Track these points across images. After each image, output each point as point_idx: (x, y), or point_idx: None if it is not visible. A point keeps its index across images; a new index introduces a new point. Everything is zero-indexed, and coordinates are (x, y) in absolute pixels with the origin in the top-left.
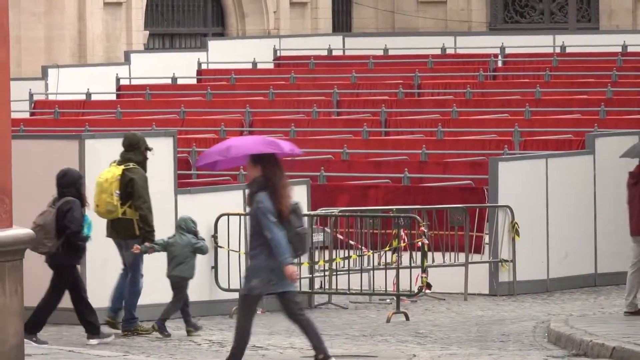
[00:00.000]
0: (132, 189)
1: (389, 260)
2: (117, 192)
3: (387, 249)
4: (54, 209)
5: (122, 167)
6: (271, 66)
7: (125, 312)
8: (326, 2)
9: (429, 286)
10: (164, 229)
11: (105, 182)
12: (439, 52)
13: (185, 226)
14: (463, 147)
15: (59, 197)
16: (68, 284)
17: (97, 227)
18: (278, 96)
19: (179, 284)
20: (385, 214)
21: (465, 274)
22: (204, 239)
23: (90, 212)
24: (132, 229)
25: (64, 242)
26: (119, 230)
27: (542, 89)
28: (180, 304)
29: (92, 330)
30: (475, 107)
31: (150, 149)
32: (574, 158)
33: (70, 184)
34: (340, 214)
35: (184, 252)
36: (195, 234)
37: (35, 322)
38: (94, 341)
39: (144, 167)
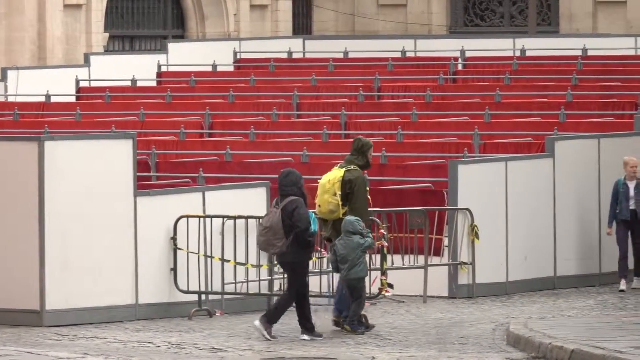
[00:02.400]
0: (350, 190)
1: None
2: (339, 193)
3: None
4: (277, 209)
5: (344, 169)
6: (231, 68)
7: (345, 310)
8: (286, 4)
9: (390, 286)
10: (122, 230)
11: (327, 183)
12: (399, 55)
13: (353, 228)
14: (423, 149)
15: (281, 197)
16: (303, 279)
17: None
18: (238, 98)
19: (356, 283)
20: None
21: (424, 276)
22: (369, 235)
23: None
24: None
25: (292, 240)
26: (340, 230)
27: (502, 92)
28: (364, 303)
29: (307, 326)
30: (435, 110)
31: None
32: (533, 161)
33: (292, 183)
34: None
35: (355, 254)
36: (361, 233)
37: (274, 315)
38: (306, 337)
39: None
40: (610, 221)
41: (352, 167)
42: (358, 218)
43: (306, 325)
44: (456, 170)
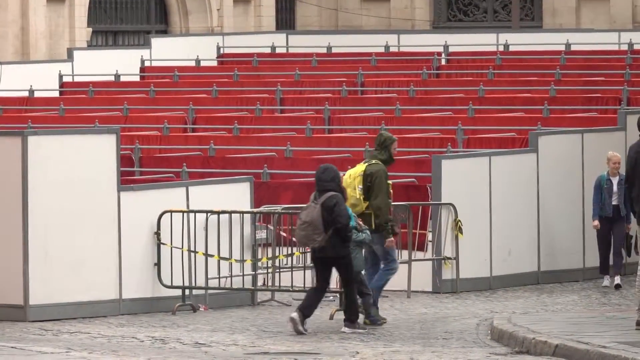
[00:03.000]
0: (371, 184)
1: None
2: (360, 187)
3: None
4: (317, 204)
5: (366, 164)
6: (214, 63)
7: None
8: (269, 0)
9: None
10: (105, 225)
11: (349, 177)
12: (382, 50)
13: None
14: (406, 145)
15: (319, 193)
16: (351, 271)
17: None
18: (221, 93)
19: (355, 279)
20: None
21: (408, 271)
22: (366, 231)
23: None
24: (372, 223)
25: (332, 235)
26: (366, 224)
27: (486, 87)
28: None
29: (351, 318)
30: (419, 105)
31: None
32: (517, 156)
33: (331, 179)
34: (283, 211)
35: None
36: (355, 229)
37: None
38: (347, 330)
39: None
40: (595, 214)
41: (373, 161)
42: (353, 214)
43: (351, 317)
44: (440, 165)
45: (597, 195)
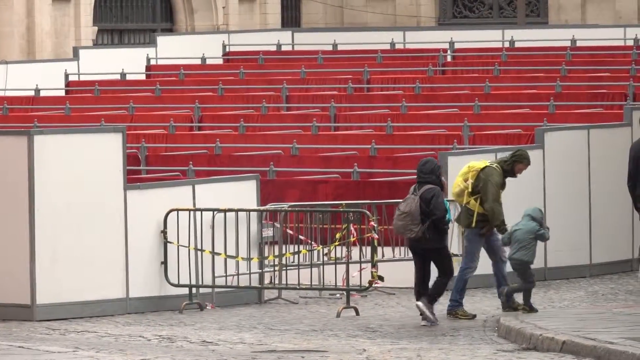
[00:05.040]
0: (477, 185)
1: (338, 255)
2: (471, 181)
3: (336, 243)
4: (416, 196)
5: (488, 163)
6: (220, 62)
7: (452, 294)
8: None
9: (381, 279)
10: (112, 224)
11: (467, 167)
12: (388, 47)
13: (534, 214)
14: (412, 141)
15: (419, 185)
16: (449, 263)
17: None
18: (227, 91)
19: (518, 266)
20: (335, 209)
21: None
22: (548, 228)
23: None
24: (470, 220)
25: (428, 226)
26: (462, 217)
27: (492, 84)
28: (529, 285)
29: (430, 298)
30: (425, 102)
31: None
32: None
33: (430, 172)
34: (289, 209)
35: (525, 237)
36: (540, 223)
37: (433, 295)
38: (421, 304)
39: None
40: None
41: (495, 165)
42: (541, 209)
43: (430, 300)
44: (446, 161)
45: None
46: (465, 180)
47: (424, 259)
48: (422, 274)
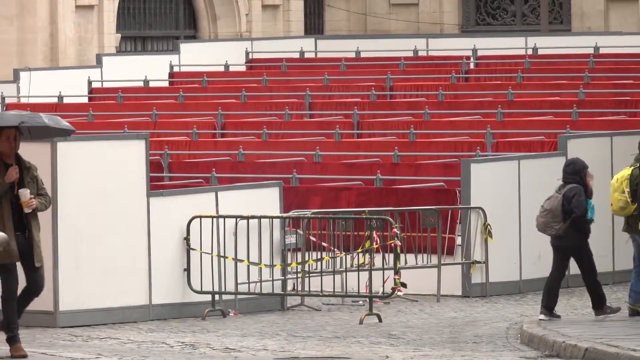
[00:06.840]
0: (637, 187)
1: (361, 261)
2: (627, 190)
3: (359, 250)
4: (560, 194)
5: (632, 167)
6: (243, 68)
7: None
8: (298, 4)
9: (404, 285)
10: (135, 230)
11: (616, 182)
12: (411, 54)
13: None
14: (435, 149)
15: (564, 184)
16: (590, 262)
17: None
18: (250, 98)
19: None
20: (358, 216)
21: (437, 275)
22: None
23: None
24: (638, 226)
25: (569, 225)
26: (632, 225)
27: (514, 91)
28: None
29: (598, 304)
30: (448, 109)
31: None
32: (546, 159)
33: (575, 172)
34: (312, 216)
35: None
36: None
37: (550, 300)
38: (597, 314)
39: None
40: None
41: (638, 165)
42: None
43: (598, 303)
44: (469, 169)
45: None
46: (622, 192)
47: (563, 258)
48: (558, 274)
